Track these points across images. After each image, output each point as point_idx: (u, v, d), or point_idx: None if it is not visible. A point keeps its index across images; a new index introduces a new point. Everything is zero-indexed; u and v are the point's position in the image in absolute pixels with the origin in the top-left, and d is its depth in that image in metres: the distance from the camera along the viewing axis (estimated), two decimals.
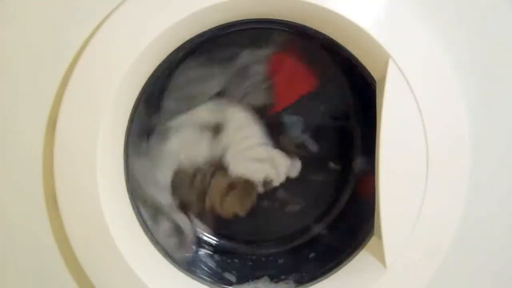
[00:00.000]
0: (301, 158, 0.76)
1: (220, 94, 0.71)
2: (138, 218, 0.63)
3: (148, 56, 0.56)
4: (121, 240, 0.57)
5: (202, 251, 0.78)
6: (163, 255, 0.63)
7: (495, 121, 0.59)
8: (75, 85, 0.55)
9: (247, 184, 0.73)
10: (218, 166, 0.73)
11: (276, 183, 0.74)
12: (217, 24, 0.58)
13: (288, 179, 0.76)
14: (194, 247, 0.76)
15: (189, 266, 0.68)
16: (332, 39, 0.59)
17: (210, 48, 0.70)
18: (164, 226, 0.69)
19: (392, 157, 0.56)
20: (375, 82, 0.59)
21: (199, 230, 0.80)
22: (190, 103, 0.71)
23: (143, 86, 0.60)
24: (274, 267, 0.76)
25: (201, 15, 0.55)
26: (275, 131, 0.75)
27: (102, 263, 0.58)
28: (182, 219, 0.72)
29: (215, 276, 0.71)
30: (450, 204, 0.58)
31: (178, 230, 0.71)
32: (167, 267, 0.63)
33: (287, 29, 0.63)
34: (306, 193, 0.79)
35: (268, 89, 0.73)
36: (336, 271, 0.63)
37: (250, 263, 0.77)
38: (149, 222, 0.66)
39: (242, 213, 0.75)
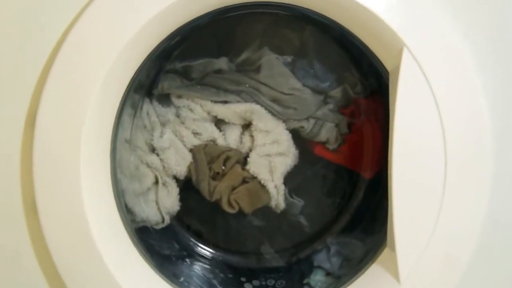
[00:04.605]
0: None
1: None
2: (125, 227, 0.61)
3: (136, 44, 0.54)
4: (107, 252, 0.55)
5: (198, 264, 0.76)
6: (151, 267, 0.61)
7: None
8: (57, 77, 0.53)
9: (262, 186, 0.72)
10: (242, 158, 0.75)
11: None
12: (215, 8, 0.57)
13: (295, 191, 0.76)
14: (188, 260, 0.76)
15: (181, 279, 0.67)
16: (341, 25, 0.58)
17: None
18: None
19: (406, 157, 0.54)
20: (388, 73, 0.58)
21: (194, 241, 0.79)
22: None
23: (132, 78, 0.58)
24: (283, 279, 0.74)
25: None
26: None
27: (86, 278, 0.56)
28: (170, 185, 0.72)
29: None
30: (470, 212, 0.55)
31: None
32: (155, 279, 0.61)
33: (291, 14, 0.63)
34: (313, 203, 0.77)
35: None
36: (347, 285, 0.62)
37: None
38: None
39: (247, 210, 0.73)
